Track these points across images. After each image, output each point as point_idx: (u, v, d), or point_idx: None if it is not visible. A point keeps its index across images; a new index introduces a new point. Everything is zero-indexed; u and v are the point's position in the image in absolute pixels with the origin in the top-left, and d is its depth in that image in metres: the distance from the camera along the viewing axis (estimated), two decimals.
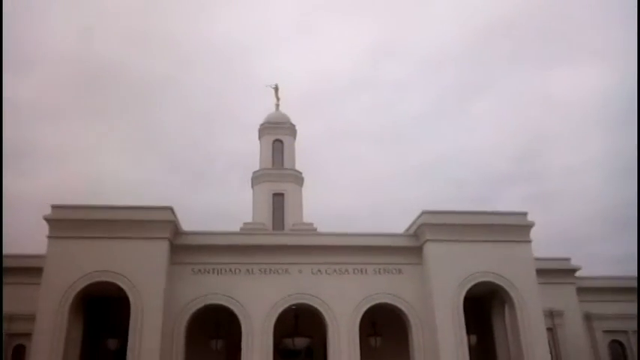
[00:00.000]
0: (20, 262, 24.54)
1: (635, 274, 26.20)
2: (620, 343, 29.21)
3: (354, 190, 73.06)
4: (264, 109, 37.49)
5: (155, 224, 22.07)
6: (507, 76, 75.62)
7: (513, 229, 23.82)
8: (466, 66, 76.18)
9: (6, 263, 24.36)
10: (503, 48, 73.99)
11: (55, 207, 22.08)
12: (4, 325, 24.06)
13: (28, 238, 23.70)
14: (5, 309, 23.81)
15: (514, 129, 74.05)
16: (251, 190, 34.79)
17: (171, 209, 22.60)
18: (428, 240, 23.49)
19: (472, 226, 23.61)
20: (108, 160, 69.32)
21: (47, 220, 21.73)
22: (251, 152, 36.67)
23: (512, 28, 70.65)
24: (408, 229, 25.07)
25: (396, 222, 27.86)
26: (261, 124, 36.16)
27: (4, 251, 25.09)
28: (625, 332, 28.89)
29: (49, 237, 21.59)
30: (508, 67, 75.58)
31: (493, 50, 74.18)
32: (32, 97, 64.43)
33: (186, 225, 23.92)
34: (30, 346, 20.45)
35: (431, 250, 23.36)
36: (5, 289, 23.75)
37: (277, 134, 35.73)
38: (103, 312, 24.01)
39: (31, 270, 22.69)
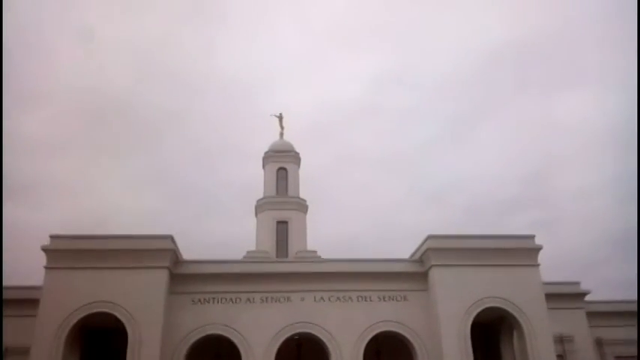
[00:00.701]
0: (18, 294, 24.10)
1: None
2: None
3: (359, 217, 72.62)
4: (269, 139, 37.52)
5: (154, 253, 21.76)
6: (513, 101, 75.62)
7: (521, 252, 23.32)
8: (472, 92, 76.35)
9: (5, 295, 24.08)
10: (509, 73, 74.24)
11: (53, 237, 21.85)
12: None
13: (32, 270, 23.42)
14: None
15: (521, 154, 73.72)
16: (255, 219, 34.54)
17: (171, 237, 22.32)
18: (433, 265, 23.00)
19: (478, 250, 23.13)
20: (113, 193, 69.40)
21: (45, 250, 21.47)
22: (256, 182, 36.57)
23: (518, 53, 70.98)
24: (413, 255, 24.61)
25: (403, 249, 27.37)
26: (265, 152, 36.14)
27: (5, 284, 24.92)
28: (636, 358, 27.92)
29: (47, 267, 21.31)
30: (514, 93, 75.70)
31: (499, 76, 74.48)
32: (39, 131, 65.03)
33: (190, 256, 23.67)
34: None
35: (437, 275, 22.85)
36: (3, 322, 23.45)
37: (281, 162, 35.66)
38: (100, 343, 23.52)
39: (29, 302, 22.21)
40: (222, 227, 65.62)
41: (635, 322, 26.73)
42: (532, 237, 23.94)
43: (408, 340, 22.68)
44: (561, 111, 71.27)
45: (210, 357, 22.93)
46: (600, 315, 28.30)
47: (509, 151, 73.23)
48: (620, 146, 63.30)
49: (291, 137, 37.58)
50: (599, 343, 28.13)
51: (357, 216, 71.49)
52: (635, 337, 26.70)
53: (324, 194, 64.91)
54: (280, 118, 37.65)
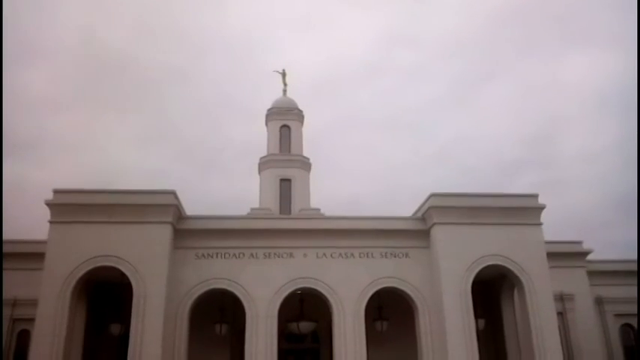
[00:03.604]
0: (25, 248, 24.60)
1: None
2: (632, 327, 28.65)
3: (363, 177, 72.63)
4: (273, 97, 37.07)
5: (158, 208, 21.80)
6: (520, 62, 74.37)
7: (524, 211, 23.26)
8: (478, 52, 74.98)
9: (12, 249, 24.47)
10: (516, 33, 72.76)
11: (56, 191, 21.86)
12: (9, 310, 24.13)
13: (38, 226, 23.62)
14: (10, 294, 23.90)
15: (526, 115, 73.00)
16: (258, 177, 34.50)
17: (173, 193, 22.32)
18: (436, 223, 23.01)
19: (481, 209, 23.08)
20: (116, 150, 69.37)
21: (48, 204, 21.53)
22: (259, 141, 36.34)
23: (525, 12, 69.44)
24: (416, 213, 24.62)
25: (406, 209, 27.44)
26: (269, 110, 35.74)
27: (12, 237, 25.25)
28: (636, 316, 28.27)
29: (51, 222, 21.38)
30: (520, 52, 74.29)
31: (505, 35, 72.92)
32: (42, 87, 64.57)
33: (194, 213, 23.70)
34: (33, 331, 20.29)
35: (439, 233, 22.89)
36: (11, 275, 23.88)
37: (284, 120, 35.26)
38: (106, 297, 23.90)
39: (35, 255, 22.50)
40: (225, 185, 65.91)
41: (635, 280, 26.95)
42: (535, 196, 23.85)
43: (409, 296, 22.92)
44: (568, 72, 70.18)
45: (214, 311, 23.28)
46: (601, 274, 28.54)
47: (513, 112, 72.57)
48: (625, 109, 62.57)
49: (295, 95, 37.15)
50: (599, 302, 28.46)
51: (359, 176, 71.54)
52: (635, 295, 27.03)
53: (327, 154, 64.80)
54: (284, 74, 37.06)
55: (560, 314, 25.28)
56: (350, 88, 77.25)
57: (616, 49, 68.26)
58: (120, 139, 70.43)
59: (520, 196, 23.87)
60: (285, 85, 37.02)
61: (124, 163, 64.80)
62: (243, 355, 21.60)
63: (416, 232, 23.75)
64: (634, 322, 28.33)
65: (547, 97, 72.78)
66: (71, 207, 21.53)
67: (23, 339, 24.00)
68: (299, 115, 35.56)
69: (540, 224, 23.24)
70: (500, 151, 70.76)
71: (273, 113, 35.26)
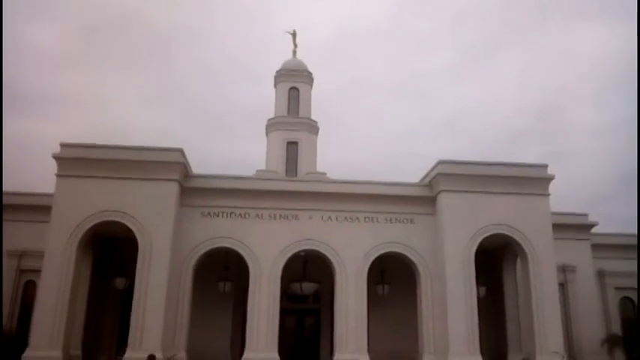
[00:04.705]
0: (33, 201, 24.79)
1: None
2: (631, 300, 28.85)
3: (370, 143, 72.30)
4: (281, 60, 36.55)
5: (165, 165, 21.75)
6: (532, 31, 72.95)
7: (532, 181, 23.09)
8: (489, 20, 73.55)
9: (19, 201, 24.66)
10: (529, 1, 71.11)
11: (63, 145, 21.80)
12: (16, 262, 24.45)
13: (46, 180, 23.67)
14: (17, 246, 24.17)
15: (537, 85, 71.95)
16: (265, 140, 34.33)
17: (180, 151, 22.23)
18: (442, 190, 22.92)
19: (489, 177, 22.92)
20: (122, 108, 69.08)
21: (56, 158, 21.50)
22: (267, 103, 36.02)
23: None
24: (423, 179, 24.53)
25: (411, 177, 27.32)
26: (277, 71, 35.33)
27: (20, 190, 25.42)
28: (636, 289, 28.43)
29: (58, 175, 21.38)
30: (533, 22, 72.86)
31: (518, 4, 71.39)
32: (48, 42, 63.90)
33: (200, 172, 23.69)
34: (39, 283, 20.56)
35: (445, 200, 22.82)
36: (18, 227, 24.14)
37: (293, 82, 34.89)
38: (111, 252, 24.15)
39: (43, 208, 22.64)
40: (231, 147, 65.79)
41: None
42: (544, 166, 23.64)
43: (412, 262, 23.03)
44: (580, 44, 68.83)
45: (219, 269, 23.50)
46: (604, 247, 28.53)
47: (524, 82, 71.63)
48: (636, 84, 61.43)
49: (305, 58, 36.64)
50: (601, 274, 28.56)
51: (367, 142, 71.21)
52: (635, 269, 27.11)
53: (335, 119, 64.41)
54: (294, 35, 36.49)
55: (562, 285, 25.40)
56: (359, 53, 76.23)
57: (630, 23, 66.77)
58: (127, 98, 70.10)
59: (529, 166, 23.65)
60: (295, 46, 36.50)
61: (130, 122, 64.71)
62: (245, 313, 21.89)
63: (422, 199, 23.69)
64: (634, 295, 28.51)
65: (558, 68, 71.65)
66: (78, 161, 21.50)
67: (29, 290, 24.35)
68: (308, 78, 35.15)
69: (548, 195, 23.10)
70: (508, 121, 70.19)
71: (282, 75, 34.87)
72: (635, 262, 27.01)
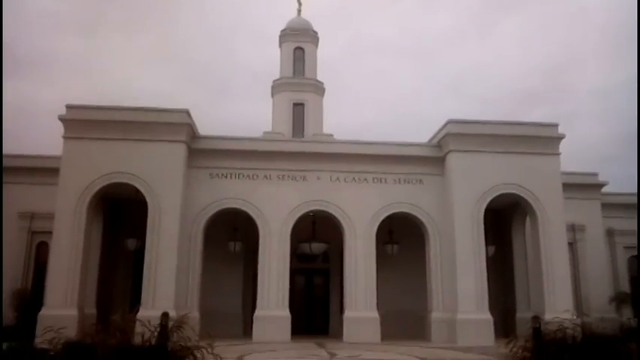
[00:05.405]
0: (42, 163, 24.78)
1: None
2: None
3: (375, 105, 71.61)
4: (286, 19, 35.81)
5: (171, 126, 21.59)
6: None
7: (542, 140, 22.83)
8: None
9: (28, 164, 24.72)
10: None
11: (69, 107, 21.61)
12: (28, 223, 24.67)
13: (54, 142, 23.56)
14: (27, 208, 24.35)
15: (543, 46, 70.52)
16: (271, 102, 33.98)
17: (187, 112, 22.03)
18: (452, 150, 22.71)
19: (499, 137, 22.66)
20: (127, 71, 68.40)
21: (62, 120, 21.36)
22: (272, 65, 35.44)
23: None
24: (431, 139, 24.31)
25: (417, 138, 27.12)
26: (282, 31, 34.65)
27: (27, 152, 25.43)
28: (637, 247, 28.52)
29: (65, 137, 21.28)
30: None
31: None
32: (52, 7, 62.83)
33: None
34: (51, 244, 20.76)
35: (454, 160, 22.65)
36: (28, 189, 24.27)
37: (298, 41, 34.25)
38: (121, 213, 24.28)
39: (52, 170, 22.55)
40: (237, 109, 65.35)
41: None
42: (555, 125, 23.30)
43: (421, 222, 23.04)
44: (589, 4, 67.03)
45: (228, 229, 23.63)
46: (614, 206, 28.45)
47: (531, 43, 70.16)
48: None
49: (310, 17, 35.89)
50: (609, 233, 28.57)
51: (372, 104, 70.51)
52: None
53: (340, 80, 63.60)
54: None
55: (571, 244, 25.43)
56: (365, 13, 74.68)
57: None
58: (130, 61, 69.34)
59: (539, 125, 23.35)
60: (299, 4, 35.74)
61: (133, 86, 64.05)
62: (255, 273, 22.11)
63: (431, 159, 23.54)
64: None
65: (563, 29, 70.06)
66: (84, 123, 21.36)
67: (42, 251, 24.62)
68: (314, 37, 34.51)
69: (558, 154, 22.88)
70: (513, 83, 69.10)
71: (287, 34, 34.22)
72: None
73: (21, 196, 24.12)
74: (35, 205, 24.17)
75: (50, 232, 20.95)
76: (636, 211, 27.63)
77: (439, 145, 23.53)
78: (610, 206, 28.33)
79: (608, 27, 65.42)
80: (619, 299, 25.79)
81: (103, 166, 21.01)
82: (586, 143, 53.82)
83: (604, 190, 28.42)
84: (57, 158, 22.06)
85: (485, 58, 71.09)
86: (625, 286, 27.69)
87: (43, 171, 24.21)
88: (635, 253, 28.79)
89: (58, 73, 64.95)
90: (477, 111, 64.61)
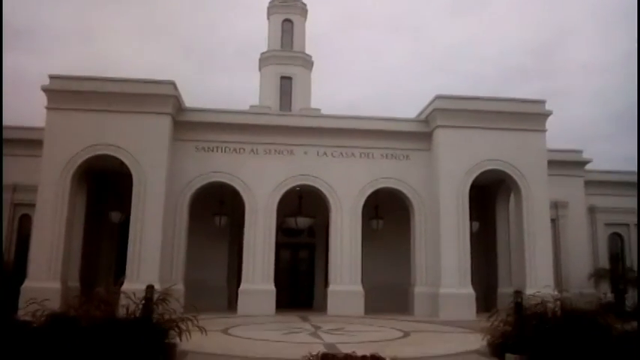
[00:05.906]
0: (24, 134, 24.27)
1: None
2: (620, 236, 29.45)
3: (364, 80, 71.24)
4: None
5: (157, 98, 21.28)
6: None
7: (529, 117, 22.89)
8: None
9: (11, 135, 24.16)
10: None
11: (52, 77, 21.19)
12: (10, 195, 24.27)
13: (37, 114, 23.04)
14: (9, 180, 23.94)
15: (532, 23, 70.40)
16: (258, 75, 33.60)
17: (173, 84, 21.71)
18: (439, 126, 22.71)
19: (486, 113, 22.65)
20: (113, 43, 67.11)
21: (45, 90, 20.94)
22: (260, 38, 35.03)
23: None
24: (419, 115, 24.27)
25: (405, 113, 27.02)
26: (271, 2, 34.09)
27: (12, 124, 24.86)
28: (626, 225, 29.06)
29: (48, 108, 20.91)
30: None
31: None
32: None
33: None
34: (35, 216, 20.54)
35: (441, 135, 22.67)
36: (11, 161, 23.73)
37: (287, 13, 33.76)
38: (106, 186, 24.05)
39: (35, 142, 22.21)
40: (224, 82, 64.59)
41: (630, 191, 27.26)
42: (542, 102, 23.36)
43: (407, 197, 23.15)
44: None
45: (214, 203, 23.55)
46: (597, 184, 28.78)
47: (520, 20, 69.97)
48: (635, 24, 60.16)
49: None
50: (592, 210, 28.93)
51: (359, 79, 70.10)
52: (627, 205, 27.51)
53: (329, 55, 63.00)
54: None
55: (553, 221, 25.71)
56: None
57: None
58: (117, 32, 67.95)
59: (527, 102, 23.39)
60: None
61: (119, 58, 63.01)
62: (241, 247, 22.15)
63: (418, 135, 23.54)
64: (623, 231, 29.15)
65: (556, 6, 69.85)
66: (68, 94, 20.98)
67: (24, 223, 24.33)
68: (302, 10, 34.03)
69: (545, 131, 22.98)
70: (503, 59, 69.06)
71: (275, 5, 33.72)
72: (626, 199, 27.48)
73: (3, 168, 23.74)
74: (17, 177, 23.77)
75: (33, 205, 20.73)
76: (622, 188, 28.14)
77: (427, 121, 23.52)
78: (593, 183, 28.64)
79: (600, 3, 65.33)
80: (598, 275, 26.27)
81: (87, 137, 20.72)
82: (573, 121, 54.26)
83: (587, 167, 28.67)
84: (40, 130, 21.72)
85: (476, 33, 70.88)
86: (605, 263, 28.19)
87: (26, 143, 23.79)
88: (616, 230, 29.31)
89: (42, 45, 63.59)
90: (466, 86, 64.67)
